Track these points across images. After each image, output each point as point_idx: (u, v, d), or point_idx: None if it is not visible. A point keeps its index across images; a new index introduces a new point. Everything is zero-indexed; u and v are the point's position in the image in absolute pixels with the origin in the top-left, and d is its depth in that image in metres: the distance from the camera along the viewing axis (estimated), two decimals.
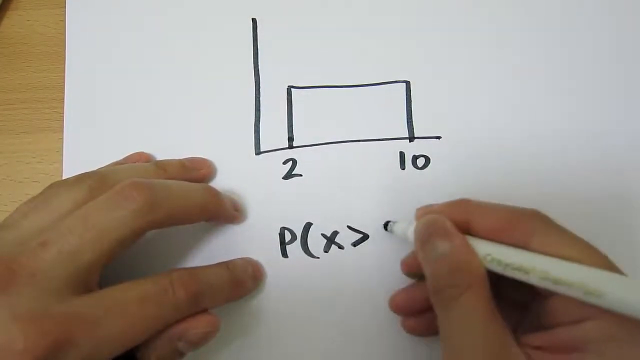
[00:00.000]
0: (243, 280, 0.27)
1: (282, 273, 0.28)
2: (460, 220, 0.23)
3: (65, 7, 0.33)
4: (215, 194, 0.27)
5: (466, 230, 0.23)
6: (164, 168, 0.27)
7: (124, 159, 0.29)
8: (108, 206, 0.22)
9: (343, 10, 0.32)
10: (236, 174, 0.30)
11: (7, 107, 0.32)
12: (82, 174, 0.25)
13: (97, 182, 0.24)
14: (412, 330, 0.26)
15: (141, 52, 0.32)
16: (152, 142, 0.30)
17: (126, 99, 0.31)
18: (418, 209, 0.25)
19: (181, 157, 0.29)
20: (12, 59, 0.32)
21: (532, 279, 0.20)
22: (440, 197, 0.29)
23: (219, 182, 0.29)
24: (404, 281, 0.28)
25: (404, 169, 0.29)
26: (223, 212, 0.27)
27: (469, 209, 0.23)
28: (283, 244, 0.29)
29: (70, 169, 0.30)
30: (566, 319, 0.20)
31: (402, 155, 0.30)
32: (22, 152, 0.31)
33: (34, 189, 0.30)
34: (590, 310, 0.19)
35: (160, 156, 0.30)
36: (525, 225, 0.22)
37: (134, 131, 0.30)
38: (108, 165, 0.29)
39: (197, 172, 0.29)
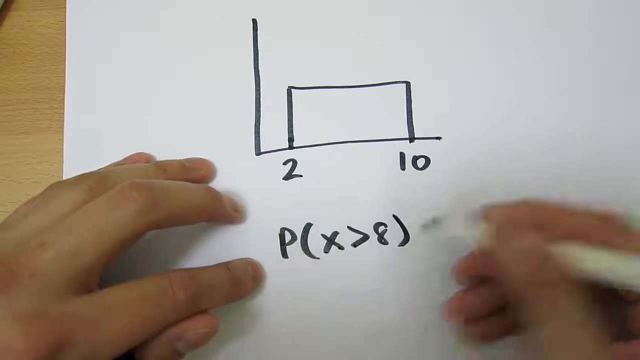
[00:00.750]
0: (243, 281, 0.26)
1: (282, 274, 0.28)
2: (538, 220, 0.22)
3: (65, 7, 0.33)
4: (215, 194, 0.27)
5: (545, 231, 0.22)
6: (164, 168, 0.27)
7: (124, 159, 0.29)
8: (108, 206, 0.22)
9: (343, 10, 0.32)
10: (236, 175, 0.30)
11: (7, 108, 0.31)
12: (81, 174, 0.25)
13: (96, 182, 0.24)
14: (472, 337, 0.25)
15: (141, 53, 0.32)
16: (152, 142, 0.30)
17: (126, 100, 0.31)
18: (484, 208, 0.24)
19: (181, 158, 0.29)
20: (13, 60, 0.32)
21: (631, 282, 0.19)
22: (440, 197, 0.29)
23: (219, 183, 0.29)
24: (404, 281, 0.28)
25: (404, 169, 0.29)
26: (223, 212, 0.27)
27: (546, 211, 0.22)
28: (283, 244, 0.29)
29: (71, 169, 0.30)
30: None
31: (402, 155, 0.30)
32: (22, 152, 0.31)
33: (34, 190, 0.30)
34: None
35: (160, 156, 0.30)
36: (609, 229, 0.21)
37: (134, 131, 0.30)
38: (108, 165, 0.29)
39: (197, 172, 0.29)
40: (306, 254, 0.29)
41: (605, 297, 0.22)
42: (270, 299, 0.28)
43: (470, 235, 0.23)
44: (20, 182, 0.30)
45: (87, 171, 0.26)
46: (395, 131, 0.30)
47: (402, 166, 0.30)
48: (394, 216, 0.29)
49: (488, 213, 0.23)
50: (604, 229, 0.21)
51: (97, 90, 0.31)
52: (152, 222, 0.23)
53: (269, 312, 0.28)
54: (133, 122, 0.31)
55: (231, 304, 0.27)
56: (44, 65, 0.32)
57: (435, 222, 0.26)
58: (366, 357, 0.27)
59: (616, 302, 0.22)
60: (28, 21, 0.33)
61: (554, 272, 0.20)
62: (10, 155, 0.31)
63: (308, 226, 0.29)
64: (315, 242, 0.29)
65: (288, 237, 0.29)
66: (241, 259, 0.28)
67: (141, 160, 0.29)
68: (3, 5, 0.33)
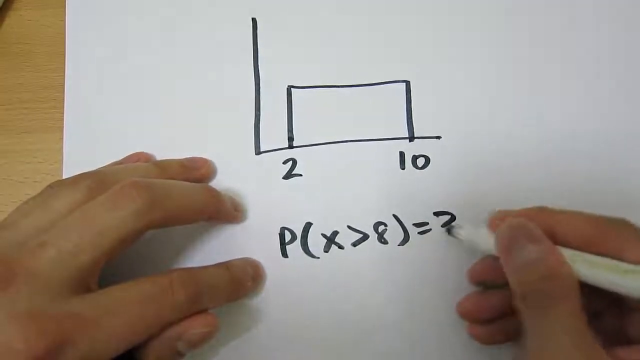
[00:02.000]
0: (243, 280, 0.26)
1: (282, 273, 0.28)
2: (543, 227, 0.22)
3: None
4: (215, 194, 0.27)
5: (551, 238, 0.22)
6: (164, 168, 0.27)
7: (123, 159, 0.29)
8: (107, 206, 0.22)
9: (343, 10, 0.32)
10: (236, 174, 0.30)
11: (7, 107, 0.31)
12: (81, 174, 0.25)
13: (96, 182, 0.24)
14: (479, 338, 0.26)
15: (141, 52, 0.32)
16: (152, 142, 0.30)
17: (126, 99, 0.31)
18: (492, 215, 0.24)
19: (181, 157, 0.29)
20: (13, 59, 0.32)
21: (633, 292, 0.20)
22: (440, 197, 0.29)
23: (219, 182, 0.29)
24: (404, 281, 0.28)
25: (403, 168, 0.29)
26: (223, 211, 0.27)
27: (552, 217, 0.22)
28: (283, 243, 0.29)
29: (70, 168, 0.30)
30: None
31: (402, 155, 0.30)
32: (23, 152, 0.31)
33: (34, 189, 0.29)
34: None
35: (160, 156, 0.30)
36: (617, 235, 0.21)
37: (134, 131, 0.30)
38: (107, 165, 0.29)
39: (197, 171, 0.29)
40: (306, 253, 0.29)
41: (607, 301, 0.22)
42: (270, 298, 0.28)
43: (483, 242, 0.24)
44: (21, 181, 0.30)
45: (86, 170, 0.26)
46: (395, 130, 0.30)
47: (402, 165, 0.30)
48: (394, 216, 0.29)
49: (495, 220, 0.24)
50: (607, 238, 0.21)
51: (96, 89, 0.31)
52: (152, 221, 0.23)
53: (268, 311, 0.28)
54: (133, 121, 0.31)
55: (231, 303, 0.27)
56: (45, 64, 0.32)
57: (450, 230, 0.26)
58: (366, 356, 0.27)
59: (617, 306, 0.22)
60: (29, 20, 0.33)
61: (551, 283, 0.20)
62: (10, 155, 0.31)
63: (308, 225, 0.29)
64: (315, 242, 0.29)
65: (288, 236, 0.29)
66: (241, 259, 0.28)
67: (141, 159, 0.29)
68: (3, 4, 0.33)
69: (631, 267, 0.20)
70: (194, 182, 0.27)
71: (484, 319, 0.25)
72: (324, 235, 0.29)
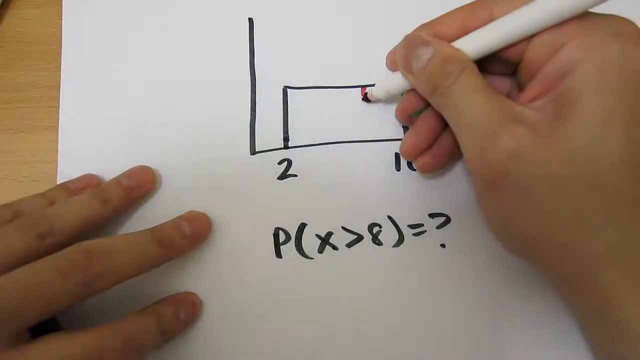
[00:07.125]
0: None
1: (276, 273, 0.28)
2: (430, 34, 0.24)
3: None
4: (166, 240, 0.26)
5: None
6: (109, 200, 0.26)
7: (76, 179, 0.29)
8: (53, 273, 0.22)
9: (339, 11, 0.32)
10: (231, 174, 0.30)
11: (6, 106, 0.32)
12: (27, 217, 0.24)
13: (46, 230, 0.24)
14: (430, 166, 0.27)
15: (137, 52, 0.31)
16: (147, 141, 0.30)
17: (122, 99, 0.31)
18: (387, 55, 0.27)
19: (176, 157, 0.29)
20: (11, 58, 0.32)
21: (509, 36, 0.22)
22: (435, 198, 0.29)
23: (214, 183, 0.29)
24: (398, 282, 0.28)
25: (399, 170, 0.29)
26: (174, 255, 0.27)
27: (431, 26, 0.25)
28: (277, 244, 0.29)
29: (65, 168, 0.30)
30: (546, 58, 0.22)
31: (397, 156, 0.29)
32: (21, 151, 0.31)
33: (33, 188, 0.30)
34: (562, 38, 0.21)
35: (156, 155, 0.30)
36: (482, 7, 0.23)
37: (129, 131, 0.30)
38: (55, 189, 0.28)
39: (141, 189, 0.28)
40: (300, 254, 0.29)
41: (498, 65, 0.25)
42: (264, 299, 0.28)
43: (395, 82, 0.27)
44: (19, 180, 0.31)
45: (81, 171, 0.25)
46: (390, 131, 0.30)
47: (397, 167, 0.29)
48: (389, 217, 0.29)
49: (390, 56, 0.27)
50: (476, 14, 0.23)
51: (92, 88, 0.31)
52: (94, 292, 0.23)
53: (262, 312, 0.28)
54: (128, 120, 0.30)
55: (224, 302, 0.27)
56: (43, 63, 0.32)
57: (366, 95, 0.29)
58: (360, 357, 0.27)
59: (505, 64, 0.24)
60: (27, 19, 0.33)
61: (448, 65, 0.23)
62: (9, 154, 0.31)
63: (302, 226, 0.29)
64: (310, 243, 0.29)
65: (282, 237, 0.29)
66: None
67: (91, 183, 0.28)
68: (2, 3, 0.33)
69: (502, 18, 0.22)
70: (141, 198, 0.28)
71: (424, 147, 0.27)
72: (318, 236, 0.29)
